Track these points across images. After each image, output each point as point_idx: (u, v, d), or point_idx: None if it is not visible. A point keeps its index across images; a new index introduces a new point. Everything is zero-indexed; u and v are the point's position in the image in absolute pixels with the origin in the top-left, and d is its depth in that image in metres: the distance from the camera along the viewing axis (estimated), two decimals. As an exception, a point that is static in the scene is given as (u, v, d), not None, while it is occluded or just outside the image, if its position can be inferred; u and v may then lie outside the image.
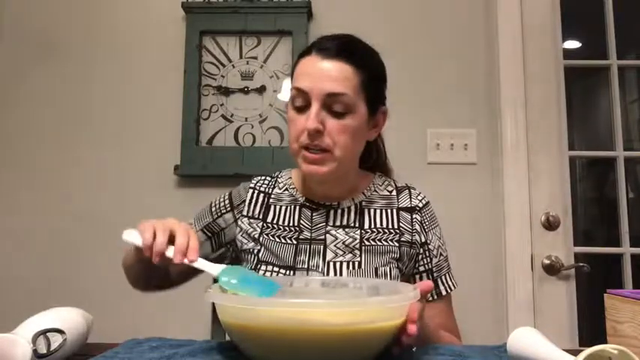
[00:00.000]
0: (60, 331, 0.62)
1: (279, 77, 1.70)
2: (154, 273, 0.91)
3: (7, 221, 1.70)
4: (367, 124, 0.96)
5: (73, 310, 0.69)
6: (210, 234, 1.04)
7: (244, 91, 1.71)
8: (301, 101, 0.91)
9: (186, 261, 0.72)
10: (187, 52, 1.70)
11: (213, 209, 1.05)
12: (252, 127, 1.69)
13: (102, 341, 0.75)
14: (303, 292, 0.80)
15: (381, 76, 1.00)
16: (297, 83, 0.92)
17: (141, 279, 0.97)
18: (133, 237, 0.76)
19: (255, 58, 1.72)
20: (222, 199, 1.06)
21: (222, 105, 1.70)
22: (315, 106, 0.89)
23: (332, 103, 0.90)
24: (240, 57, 1.72)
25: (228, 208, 1.04)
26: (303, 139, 0.90)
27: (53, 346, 0.61)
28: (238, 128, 1.69)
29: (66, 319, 0.65)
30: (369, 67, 0.94)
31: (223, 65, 1.72)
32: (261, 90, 1.70)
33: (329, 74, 0.90)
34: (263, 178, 1.07)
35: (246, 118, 1.69)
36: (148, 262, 0.76)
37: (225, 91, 1.71)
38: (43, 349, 0.59)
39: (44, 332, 0.60)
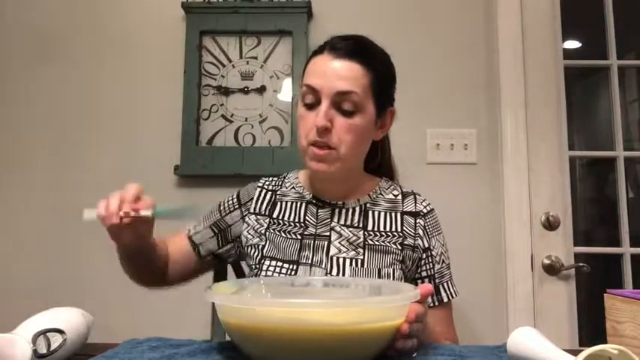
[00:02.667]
0: (60, 331, 0.62)
1: (279, 77, 1.70)
2: (144, 265, 0.95)
3: (7, 221, 1.70)
4: (375, 124, 0.98)
5: (73, 310, 0.69)
6: (217, 231, 1.06)
7: (244, 91, 1.71)
8: (311, 98, 0.93)
9: (132, 213, 0.78)
10: (187, 52, 1.70)
11: (222, 207, 1.08)
12: (252, 127, 1.69)
13: (102, 341, 0.75)
14: (303, 291, 0.80)
15: (391, 77, 1.02)
16: (309, 80, 0.94)
17: (133, 272, 0.99)
18: (92, 213, 0.81)
19: (255, 58, 1.72)
20: (230, 198, 1.09)
21: (222, 105, 1.70)
22: (324, 104, 0.91)
23: (341, 102, 0.91)
24: (240, 57, 1.72)
25: (236, 206, 1.06)
26: (312, 135, 0.92)
27: (53, 346, 0.61)
28: (238, 128, 1.69)
29: (66, 319, 0.65)
30: (378, 68, 0.96)
31: (223, 65, 1.72)
32: (261, 90, 1.70)
33: (339, 73, 0.92)
34: (271, 178, 1.10)
35: (246, 118, 1.69)
36: (132, 255, 0.87)
37: (225, 91, 1.71)
38: (43, 349, 0.59)
39: (44, 332, 0.60)
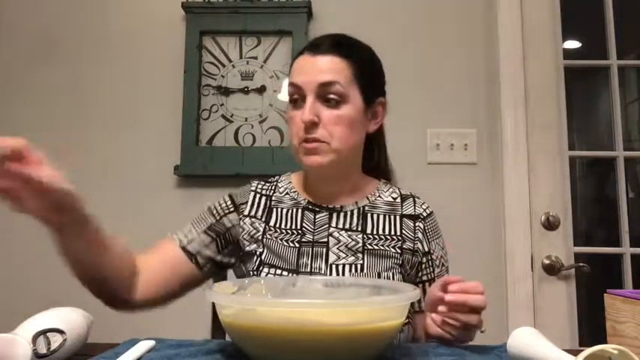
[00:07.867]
0: (60, 331, 0.62)
1: (279, 77, 1.70)
2: (94, 265, 0.92)
3: (7, 221, 1.70)
4: (364, 115, 0.97)
5: (73, 310, 0.69)
6: (214, 235, 1.01)
7: (244, 91, 1.71)
8: (297, 96, 0.94)
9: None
10: (187, 52, 1.70)
11: (215, 211, 1.02)
12: (252, 127, 1.69)
13: (102, 341, 0.75)
14: (304, 292, 0.80)
15: (376, 68, 1.02)
16: (292, 79, 0.95)
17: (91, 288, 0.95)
18: None
19: (255, 58, 1.72)
20: (223, 201, 1.04)
21: (222, 105, 1.70)
22: (309, 99, 0.92)
23: (325, 94, 0.92)
24: (240, 57, 1.72)
25: (232, 209, 1.02)
26: (301, 133, 0.92)
27: (53, 346, 0.61)
28: (238, 128, 1.69)
29: (66, 319, 0.65)
30: (360, 59, 0.97)
31: (223, 65, 1.72)
32: (261, 90, 1.70)
33: (320, 67, 0.93)
34: (262, 182, 1.06)
35: (246, 118, 1.69)
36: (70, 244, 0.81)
37: (225, 91, 1.71)
38: (43, 349, 0.59)
39: (44, 332, 0.60)
